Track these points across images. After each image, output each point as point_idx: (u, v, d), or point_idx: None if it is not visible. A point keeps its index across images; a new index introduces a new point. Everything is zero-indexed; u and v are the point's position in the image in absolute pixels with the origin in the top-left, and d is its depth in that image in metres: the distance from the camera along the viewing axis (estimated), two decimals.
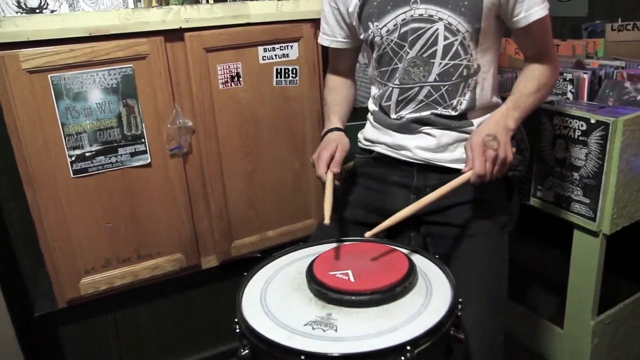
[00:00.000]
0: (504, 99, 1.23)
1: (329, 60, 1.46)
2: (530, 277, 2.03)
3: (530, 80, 1.18)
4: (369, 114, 1.37)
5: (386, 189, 1.28)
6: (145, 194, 1.63)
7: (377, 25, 1.21)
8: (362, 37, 1.27)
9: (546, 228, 1.82)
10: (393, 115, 1.27)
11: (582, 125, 1.44)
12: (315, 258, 0.96)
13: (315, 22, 1.77)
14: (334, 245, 1.06)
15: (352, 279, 0.88)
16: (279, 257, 1.05)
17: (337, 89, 1.40)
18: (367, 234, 1.02)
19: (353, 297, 0.84)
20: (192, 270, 1.79)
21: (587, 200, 1.49)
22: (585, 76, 1.69)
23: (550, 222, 1.65)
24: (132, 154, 1.60)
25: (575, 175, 1.50)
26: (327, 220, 1.03)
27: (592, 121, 1.42)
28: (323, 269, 0.92)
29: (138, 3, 1.57)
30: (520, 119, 1.14)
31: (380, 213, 1.26)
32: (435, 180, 1.22)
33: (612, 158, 1.41)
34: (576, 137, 1.47)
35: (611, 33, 1.98)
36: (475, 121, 1.22)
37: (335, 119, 1.32)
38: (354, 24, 1.28)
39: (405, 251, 1.00)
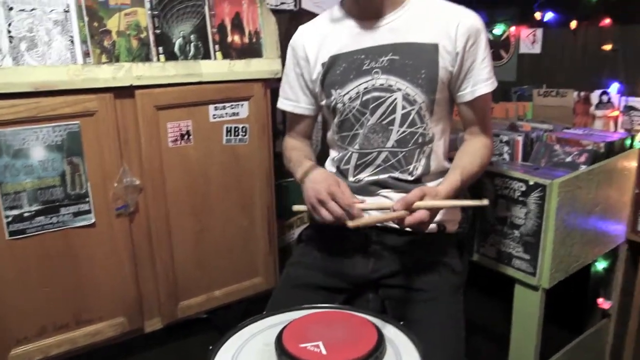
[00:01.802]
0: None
1: (288, 124, 1.48)
2: (474, 330, 2.09)
3: (474, 156, 1.25)
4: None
5: (345, 252, 1.29)
6: (88, 255, 1.56)
7: (339, 93, 1.25)
8: (324, 103, 1.31)
9: (487, 282, 1.89)
10: (351, 178, 1.30)
11: (521, 187, 1.54)
12: (283, 329, 0.95)
13: (266, 82, 1.81)
14: (297, 313, 1.04)
15: (323, 351, 0.87)
16: (244, 327, 1.02)
17: (299, 148, 1.41)
18: (351, 224, 1.00)
19: None
20: (135, 334, 1.70)
21: (527, 257, 1.57)
22: (520, 138, 1.82)
23: (491, 277, 1.72)
24: (75, 214, 1.53)
25: (516, 233, 1.58)
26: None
27: (531, 183, 1.51)
28: (293, 341, 0.90)
29: (87, 58, 1.53)
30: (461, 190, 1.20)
31: (341, 277, 1.27)
32: (393, 242, 1.25)
33: (550, 217, 1.50)
34: (516, 197, 1.56)
35: (538, 98, 2.16)
36: (430, 185, 1.27)
37: (309, 162, 1.30)
38: (317, 90, 1.31)
39: (371, 318, 1.00)
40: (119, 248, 1.60)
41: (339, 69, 1.25)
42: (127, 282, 1.63)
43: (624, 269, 1.54)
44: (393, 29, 1.22)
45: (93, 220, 1.55)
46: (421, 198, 1.04)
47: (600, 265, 1.96)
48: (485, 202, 1.04)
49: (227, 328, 1.03)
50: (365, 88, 1.22)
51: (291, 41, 1.40)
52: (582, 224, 1.62)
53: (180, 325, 1.78)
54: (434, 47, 1.19)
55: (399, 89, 1.20)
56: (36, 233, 1.47)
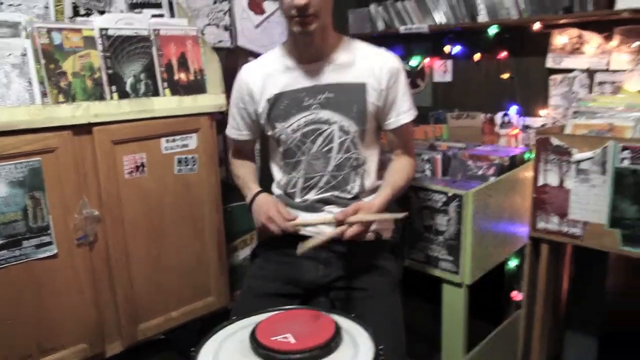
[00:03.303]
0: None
1: (233, 147, 1.71)
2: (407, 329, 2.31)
3: (401, 173, 1.50)
4: (274, 197, 1.58)
5: (297, 261, 1.47)
6: (50, 285, 1.63)
7: (283, 125, 1.44)
8: (269, 133, 1.50)
9: (415, 284, 2.13)
10: (298, 199, 1.49)
11: (442, 198, 1.79)
12: (255, 327, 1.11)
13: (212, 115, 1.97)
14: (265, 315, 1.21)
15: (292, 341, 1.04)
16: (218, 331, 1.17)
17: (244, 165, 1.66)
18: (299, 251, 1.21)
19: (298, 355, 1.00)
20: (97, 359, 1.77)
21: (451, 258, 1.82)
22: (438, 157, 2.10)
23: (419, 279, 1.95)
24: (37, 246, 1.60)
25: (440, 238, 1.83)
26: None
27: (450, 194, 1.77)
28: (265, 335, 1.07)
29: (44, 99, 1.63)
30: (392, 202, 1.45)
31: (295, 284, 1.46)
32: (338, 250, 1.44)
33: (467, 222, 1.76)
34: (438, 207, 1.81)
35: (452, 120, 2.46)
36: (366, 200, 1.49)
37: (254, 186, 1.55)
38: (262, 122, 1.50)
39: (327, 314, 1.19)
40: (80, 276, 1.68)
41: (282, 105, 1.45)
42: (89, 309, 1.71)
43: (529, 263, 1.82)
44: (328, 71, 1.43)
45: (55, 252, 1.62)
46: (356, 211, 1.27)
47: (513, 262, 2.26)
48: (404, 214, 1.35)
49: (185, 347, 1.18)
50: (305, 121, 1.43)
51: (237, 78, 1.58)
52: (494, 227, 1.89)
53: (140, 347, 1.87)
54: (363, 86, 1.42)
55: (335, 122, 1.42)
56: (0, 267, 1.54)
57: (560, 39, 2.13)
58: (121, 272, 1.77)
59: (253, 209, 1.50)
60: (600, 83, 2.06)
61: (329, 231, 1.28)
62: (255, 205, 1.49)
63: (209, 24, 2.42)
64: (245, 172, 1.63)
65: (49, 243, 1.62)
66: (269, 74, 1.49)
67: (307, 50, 1.43)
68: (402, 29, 2.44)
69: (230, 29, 2.50)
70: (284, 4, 1.34)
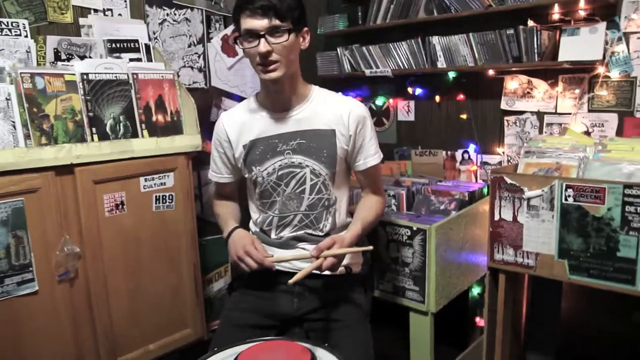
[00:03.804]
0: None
1: (216, 188, 1.78)
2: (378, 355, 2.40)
3: (370, 210, 1.61)
4: (251, 233, 1.67)
5: (273, 295, 1.56)
6: (30, 322, 1.67)
7: (259, 169, 1.55)
8: (246, 176, 1.60)
9: (385, 313, 2.23)
10: (274, 236, 1.59)
11: (407, 232, 1.92)
12: (237, 357, 1.19)
13: (188, 154, 2.06)
14: (244, 346, 1.29)
15: None
16: None
17: (225, 205, 1.73)
18: (291, 281, 1.28)
19: None
20: None
21: (417, 288, 1.94)
22: (403, 192, 2.23)
23: (388, 309, 2.06)
24: (19, 283, 1.65)
25: (407, 269, 1.95)
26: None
27: (415, 228, 1.90)
28: None
29: (28, 141, 1.70)
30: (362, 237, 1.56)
31: (272, 316, 1.55)
32: (311, 284, 1.54)
33: (431, 254, 1.88)
34: (404, 240, 1.93)
35: (415, 157, 2.62)
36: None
37: (232, 222, 1.62)
38: (239, 166, 1.61)
39: (304, 344, 1.28)
40: (60, 312, 1.72)
41: (258, 150, 1.56)
42: (68, 345, 1.74)
43: (489, 292, 1.95)
44: (299, 119, 1.55)
45: (36, 288, 1.67)
46: (330, 245, 1.37)
47: (476, 290, 2.40)
48: (370, 247, 1.47)
49: None
50: (280, 165, 1.54)
51: (216, 125, 1.68)
52: (457, 258, 2.03)
53: None
54: (332, 132, 1.54)
55: (307, 165, 1.54)
56: None
57: (512, 83, 2.32)
58: (101, 306, 1.82)
59: (229, 242, 1.56)
60: (549, 124, 2.26)
61: (306, 265, 1.37)
62: (231, 240, 1.55)
63: (184, 66, 2.53)
64: (224, 210, 1.71)
65: (31, 280, 1.67)
66: (245, 122, 1.60)
67: (279, 99, 1.55)
68: (367, 72, 2.60)
69: (204, 70, 2.61)
70: (249, 53, 1.46)
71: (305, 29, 1.50)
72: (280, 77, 1.45)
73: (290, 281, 1.29)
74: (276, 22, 1.39)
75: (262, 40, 1.39)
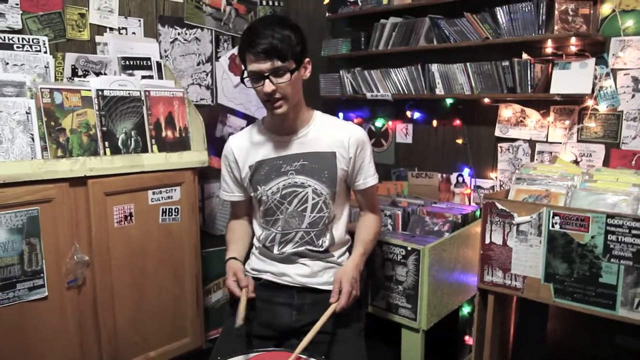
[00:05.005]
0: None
1: (231, 207, 1.85)
2: None
3: (369, 229, 1.72)
4: (254, 249, 1.76)
5: (273, 307, 1.64)
6: (39, 326, 1.75)
7: (264, 188, 1.64)
8: (252, 195, 1.69)
9: (378, 329, 2.31)
10: (276, 252, 1.68)
11: (402, 252, 2.01)
12: None
13: (195, 169, 2.16)
14: (245, 357, 1.37)
15: None
16: None
17: (235, 230, 1.79)
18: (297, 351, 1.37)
19: None
20: None
21: (409, 306, 2.02)
22: (399, 212, 2.32)
23: (382, 325, 2.14)
24: (30, 289, 1.73)
25: (400, 287, 2.03)
26: (239, 322, 1.43)
27: (409, 248, 1.99)
28: None
29: (44, 153, 1.79)
30: (366, 259, 1.66)
31: (271, 327, 1.63)
32: (310, 299, 1.63)
33: (424, 274, 1.97)
34: (399, 259, 2.02)
35: (412, 178, 2.71)
36: (335, 253, 1.69)
37: (231, 251, 1.70)
38: (245, 185, 1.70)
39: (303, 356, 1.36)
40: (67, 318, 1.80)
41: (263, 170, 1.65)
42: (73, 349, 1.82)
43: (478, 312, 2.03)
44: (302, 142, 1.65)
45: (46, 294, 1.75)
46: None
47: (466, 309, 2.48)
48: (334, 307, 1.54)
49: None
50: (284, 185, 1.63)
51: (225, 147, 1.76)
52: (448, 278, 2.11)
53: None
54: (333, 154, 1.64)
55: (309, 185, 1.63)
56: None
57: (506, 112, 2.42)
58: (106, 314, 1.90)
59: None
60: (540, 152, 2.36)
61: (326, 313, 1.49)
62: (226, 267, 1.68)
63: (192, 83, 2.63)
64: (230, 237, 1.78)
65: (41, 286, 1.75)
66: (251, 144, 1.69)
67: (283, 125, 1.64)
68: (368, 95, 2.70)
69: (212, 88, 2.71)
70: (256, 91, 1.56)
71: (307, 59, 1.60)
72: (285, 111, 1.56)
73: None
74: (278, 63, 1.49)
75: (267, 81, 1.49)
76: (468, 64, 2.34)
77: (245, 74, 1.54)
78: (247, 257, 1.78)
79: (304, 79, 1.61)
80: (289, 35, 1.50)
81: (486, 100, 2.41)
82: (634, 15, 2.05)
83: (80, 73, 2.10)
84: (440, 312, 2.10)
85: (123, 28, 2.33)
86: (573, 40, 2.14)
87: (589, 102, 2.18)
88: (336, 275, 1.58)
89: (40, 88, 1.81)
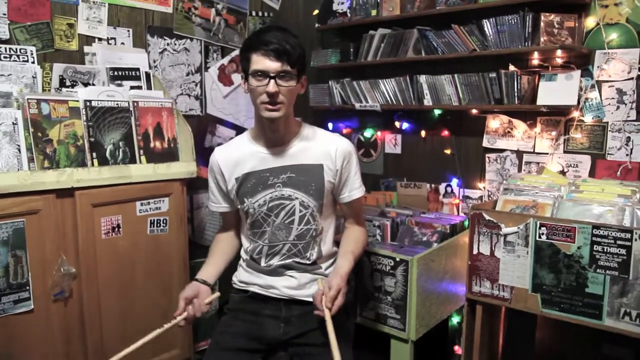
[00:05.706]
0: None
1: (220, 219, 1.86)
2: None
3: (357, 243, 1.71)
4: (242, 261, 1.75)
5: (261, 320, 1.64)
6: (24, 339, 1.73)
7: (250, 200, 1.64)
8: (239, 207, 1.69)
9: (367, 340, 2.31)
10: (263, 264, 1.67)
11: (390, 262, 2.01)
12: None
13: (183, 181, 2.15)
14: None
15: None
16: None
17: (219, 242, 1.79)
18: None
19: None
20: None
21: (398, 316, 2.02)
22: (388, 223, 2.33)
23: (371, 335, 2.14)
24: (16, 302, 1.71)
25: (389, 298, 2.03)
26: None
27: (398, 259, 1.99)
28: None
29: (31, 164, 1.78)
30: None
31: (259, 340, 1.62)
32: (298, 311, 1.63)
33: (412, 284, 1.97)
34: (387, 270, 2.02)
35: (401, 188, 2.72)
36: (323, 265, 1.69)
37: (202, 271, 1.70)
38: (232, 197, 1.69)
39: None
40: (53, 331, 1.78)
41: (250, 183, 1.65)
42: None
43: (466, 322, 2.03)
44: (290, 154, 1.65)
45: (32, 307, 1.73)
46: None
47: (455, 319, 2.48)
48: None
49: None
50: (271, 197, 1.63)
51: (211, 158, 1.75)
52: (437, 288, 2.12)
53: None
54: (320, 167, 1.64)
55: (296, 198, 1.63)
56: None
57: (493, 123, 2.45)
58: (93, 325, 1.88)
59: None
60: (527, 162, 2.38)
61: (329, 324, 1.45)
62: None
63: (181, 94, 2.63)
64: (212, 249, 1.79)
65: (27, 299, 1.73)
66: (238, 156, 1.69)
67: (272, 136, 1.64)
68: (357, 105, 2.72)
69: (201, 98, 2.71)
70: (255, 91, 1.55)
71: (304, 77, 1.62)
72: (280, 116, 1.55)
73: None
74: (287, 67, 1.50)
75: (272, 81, 1.50)
76: (456, 75, 2.37)
77: (249, 71, 1.53)
78: (234, 270, 1.78)
79: (299, 93, 1.63)
80: (300, 45, 1.55)
81: (474, 111, 2.43)
82: (617, 29, 2.08)
83: (68, 83, 2.09)
84: (429, 323, 2.11)
85: (112, 38, 2.32)
86: (559, 52, 2.17)
87: (575, 114, 2.21)
88: (330, 279, 1.55)
89: (28, 99, 1.80)
